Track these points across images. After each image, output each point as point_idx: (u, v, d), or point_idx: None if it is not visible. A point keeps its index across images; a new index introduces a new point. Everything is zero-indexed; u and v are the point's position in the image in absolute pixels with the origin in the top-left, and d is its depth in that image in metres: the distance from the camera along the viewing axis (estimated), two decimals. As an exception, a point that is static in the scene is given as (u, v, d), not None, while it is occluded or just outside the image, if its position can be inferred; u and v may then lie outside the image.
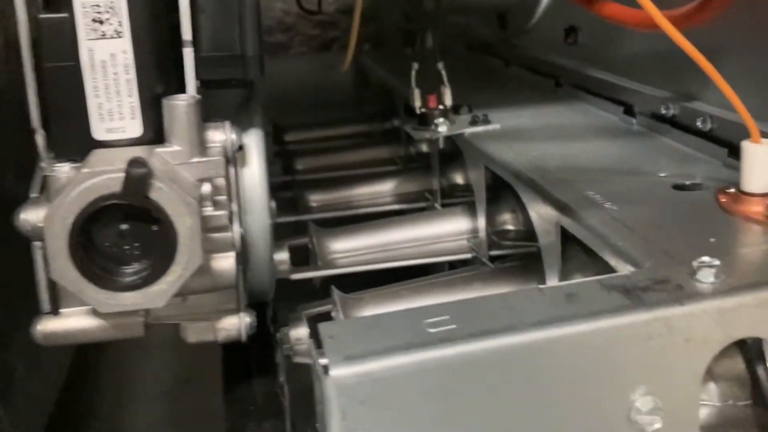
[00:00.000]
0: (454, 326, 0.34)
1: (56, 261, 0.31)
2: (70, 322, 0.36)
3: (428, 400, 0.33)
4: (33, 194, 0.33)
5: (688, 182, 0.51)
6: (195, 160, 0.33)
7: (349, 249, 0.68)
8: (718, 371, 0.44)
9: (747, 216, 0.44)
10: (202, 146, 0.34)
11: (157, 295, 0.32)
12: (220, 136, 0.35)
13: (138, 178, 0.30)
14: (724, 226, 0.44)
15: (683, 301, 0.35)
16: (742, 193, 0.45)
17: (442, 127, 0.67)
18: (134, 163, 0.30)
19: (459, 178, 0.79)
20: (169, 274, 0.32)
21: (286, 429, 0.42)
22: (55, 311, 0.36)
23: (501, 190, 0.64)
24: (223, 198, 0.35)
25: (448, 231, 0.70)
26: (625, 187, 0.51)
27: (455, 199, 0.76)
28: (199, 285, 0.36)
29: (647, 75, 0.64)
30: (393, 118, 0.95)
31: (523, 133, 0.65)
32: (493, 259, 0.64)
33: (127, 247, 0.32)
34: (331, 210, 0.80)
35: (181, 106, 0.32)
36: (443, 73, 0.69)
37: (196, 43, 0.33)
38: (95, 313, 0.36)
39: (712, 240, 0.42)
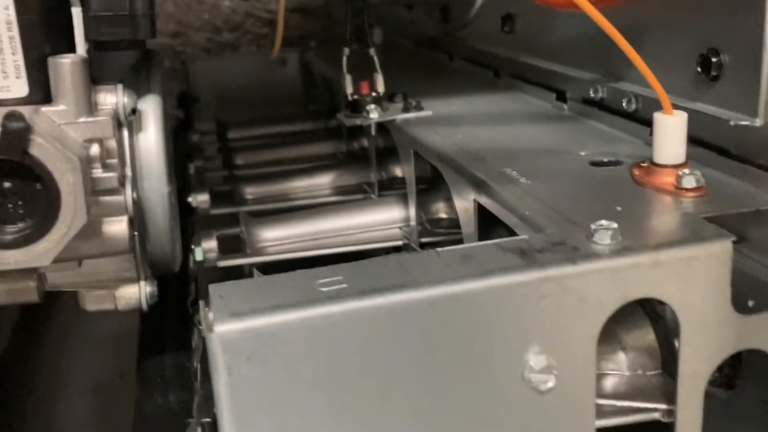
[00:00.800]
0: (345, 285, 0.34)
1: (-69, 217, 0.30)
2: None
3: (316, 357, 0.32)
4: None
5: (606, 159, 0.51)
6: (82, 120, 0.33)
7: (279, 237, 0.67)
8: (628, 341, 0.45)
9: (657, 187, 0.45)
10: (89, 106, 0.33)
11: (42, 253, 0.31)
12: (111, 98, 0.35)
13: (15, 133, 0.29)
14: (633, 196, 0.44)
15: (576, 261, 0.35)
16: (654, 165, 0.45)
17: (374, 114, 0.67)
18: (11, 117, 0.30)
19: (398, 171, 0.79)
20: (53, 233, 0.31)
21: (194, 407, 0.41)
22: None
23: (435, 179, 0.64)
24: (113, 161, 0.35)
25: (381, 220, 0.70)
26: (543, 165, 0.51)
27: (393, 191, 0.76)
28: (92, 249, 0.35)
29: (577, 59, 0.65)
30: (336, 115, 0.95)
31: (453, 120, 0.65)
32: (423, 246, 0.64)
33: (9, 205, 0.32)
34: (267, 202, 0.79)
35: (66, 64, 0.32)
36: (375, 59, 0.70)
37: (84, 2, 0.32)
38: (-18, 277, 0.35)
39: (618, 209, 0.42)
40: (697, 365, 0.38)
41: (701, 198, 0.43)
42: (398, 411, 0.34)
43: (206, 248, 0.66)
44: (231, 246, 0.67)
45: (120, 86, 0.35)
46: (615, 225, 0.37)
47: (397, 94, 0.71)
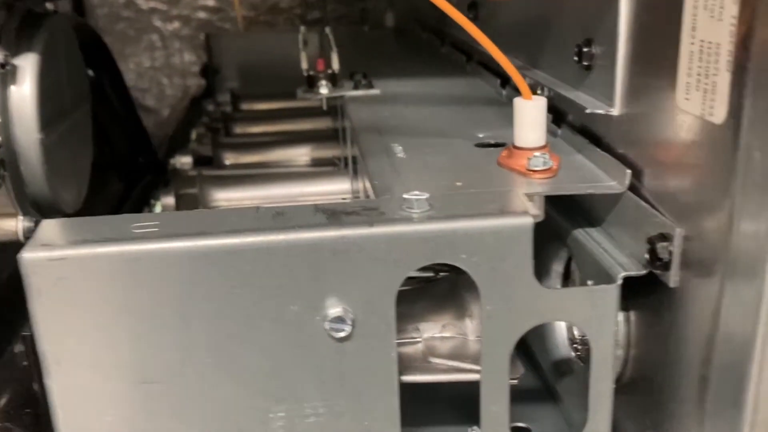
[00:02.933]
0: (156, 229, 0.38)
1: None
2: None
3: (118, 288, 0.37)
4: None
5: (493, 141, 0.53)
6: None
7: (230, 198, 0.72)
8: (474, 310, 0.47)
9: (512, 168, 0.47)
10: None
11: None
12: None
13: None
14: (484, 175, 0.47)
15: (373, 224, 0.38)
16: (515, 148, 0.48)
17: (324, 89, 0.71)
18: None
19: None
20: None
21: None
22: None
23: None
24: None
25: (331, 189, 0.74)
26: (432, 143, 0.54)
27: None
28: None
29: (511, 47, 0.67)
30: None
31: (395, 98, 0.68)
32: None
33: None
34: (244, 168, 0.84)
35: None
36: (330, 38, 0.73)
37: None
38: None
39: (458, 184, 0.45)
40: (498, 334, 0.40)
41: (547, 179, 0.45)
42: (196, 345, 0.38)
43: (164, 203, 0.72)
44: (188, 203, 0.73)
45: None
46: (425, 196, 0.40)
47: (357, 73, 0.75)
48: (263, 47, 1.24)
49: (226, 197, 0.72)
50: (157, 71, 1.38)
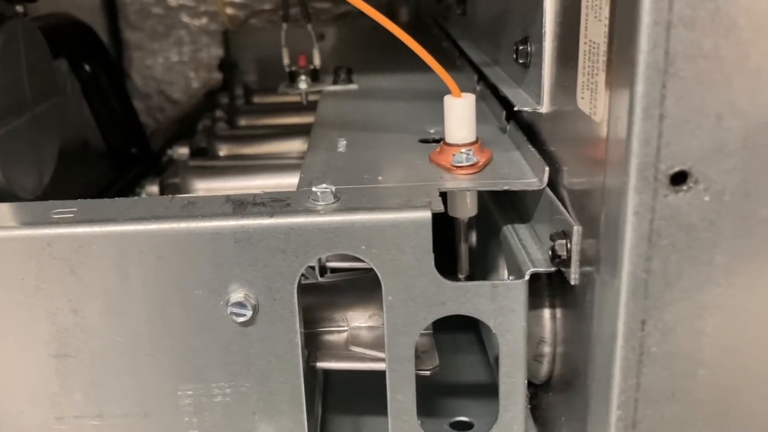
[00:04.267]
0: (71, 215, 0.40)
1: None
2: None
3: (32, 268, 0.39)
4: None
5: (438, 137, 0.54)
6: None
7: (209, 188, 0.74)
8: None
9: (440, 164, 0.47)
10: None
11: None
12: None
13: None
14: (412, 170, 0.47)
15: (274, 215, 0.40)
16: (445, 144, 0.48)
17: (302, 84, 0.73)
18: None
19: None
20: None
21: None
22: None
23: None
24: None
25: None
26: (378, 138, 0.54)
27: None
28: None
29: (484, 43, 0.67)
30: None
31: (370, 93, 0.70)
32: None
33: None
34: (236, 160, 0.87)
35: None
36: (312, 34, 0.75)
37: None
38: None
39: (380, 178, 0.46)
40: (400, 324, 0.41)
41: (470, 175, 0.46)
42: (109, 324, 0.40)
43: (149, 192, 0.75)
44: (172, 193, 0.75)
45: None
46: (331, 189, 0.41)
47: (341, 68, 0.76)
48: (279, 42, 1.27)
49: (205, 187, 0.74)
50: (185, 65, 1.42)
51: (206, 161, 0.82)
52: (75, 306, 0.40)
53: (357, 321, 0.48)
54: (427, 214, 0.40)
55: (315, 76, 0.74)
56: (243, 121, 1.01)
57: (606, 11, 0.33)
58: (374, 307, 0.48)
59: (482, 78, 0.68)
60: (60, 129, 0.56)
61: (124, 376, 0.41)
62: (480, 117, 0.58)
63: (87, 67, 0.75)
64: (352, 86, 0.72)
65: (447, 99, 0.48)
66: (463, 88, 0.48)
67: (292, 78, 0.74)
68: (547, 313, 0.46)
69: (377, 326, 0.48)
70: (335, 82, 0.72)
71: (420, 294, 0.41)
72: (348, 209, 0.40)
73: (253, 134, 0.93)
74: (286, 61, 0.73)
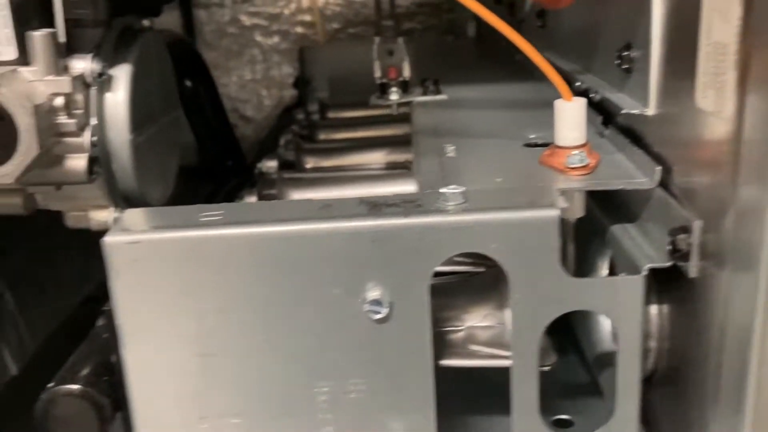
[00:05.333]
0: (220, 217, 0.43)
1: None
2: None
3: (183, 269, 0.42)
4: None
5: (542, 142, 0.56)
6: (48, 78, 0.45)
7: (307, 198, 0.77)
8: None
9: (551, 166, 0.49)
10: (57, 68, 0.46)
11: (6, 173, 0.44)
12: (81, 63, 0.47)
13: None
14: (526, 172, 0.50)
15: (410, 215, 0.42)
16: (556, 147, 0.50)
17: (394, 96, 0.75)
18: (-23, 70, 0.43)
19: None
20: (14, 160, 0.44)
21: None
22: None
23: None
24: (78, 111, 0.47)
25: (401, 190, 0.78)
26: (484, 143, 0.57)
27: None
28: (58, 177, 0.48)
29: (572, 52, 0.69)
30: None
31: (459, 103, 0.72)
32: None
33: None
34: (322, 171, 0.90)
35: (37, 36, 0.44)
36: (403, 48, 0.78)
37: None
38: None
39: (498, 180, 0.48)
40: (526, 320, 0.43)
41: (584, 176, 0.48)
42: (249, 323, 0.43)
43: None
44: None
45: (90, 56, 0.47)
46: (461, 189, 0.43)
47: (428, 79, 0.79)
48: (351, 59, 1.30)
49: (301, 198, 0.77)
50: (257, 83, 1.47)
51: (297, 173, 0.85)
52: (220, 306, 0.43)
53: (472, 321, 0.50)
54: (554, 213, 0.42)
55: (404, 87, 0.76)
56: (322, 135, 1.05)
57: (737, 12, 0.35)
58: (488, 307, 0.50)
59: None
60: (179, 142, 0.59)
61: (264, 375, 0.44)
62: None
63: (188, 83, 0.79)
64: (441, 96, 0.74)
65: (558, 103, 0.50)
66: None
67: (383, 90, 0.77)
68: (653, 309, 0.48)
69: (492, 325, 0.50)
70: (425, 93, 0.75)
71: (546, 291, 0.43)
72: (479, 209, 0.42)
73: (337, 147, 0.96)
74: (377, 74, 0.76)
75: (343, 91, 1.27)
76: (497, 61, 1.00)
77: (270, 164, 0.91)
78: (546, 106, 0.69)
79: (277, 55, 1.48)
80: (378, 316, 0.43)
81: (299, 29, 1.48)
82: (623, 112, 0.49)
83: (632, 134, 0.52)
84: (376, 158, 0.92)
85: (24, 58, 0.45)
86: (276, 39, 1.46)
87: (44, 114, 0.44)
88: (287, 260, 0.42)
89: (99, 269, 0.86)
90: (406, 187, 0.78)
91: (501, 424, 0.48)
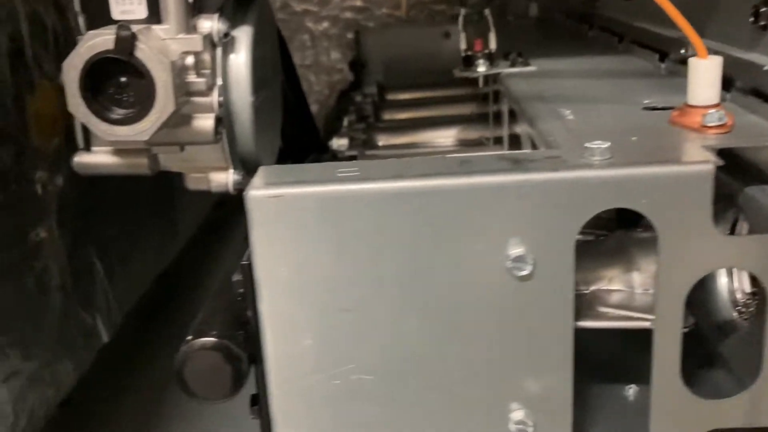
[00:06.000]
0: (357, 173, 0.42)
1: (72, 98, 0.43)
2: (97, 157, 0.48)
3: (323, 224, 0.41)
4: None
5: (660, 105, 0.54)
6: (180, 36, 0.44)
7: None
8: (641, 263, 0.49)
9: (685, 125, 0.48)
10: (187, 27, 0.45)
11: (142, 130, 0.43)
12: (208, 24, 0.46)
13: (124, 39, 0.41)
14: (656, 132, 0.48)
15: (558, 169, 0.41)
16: (687, 106, 0.49)
17: (482, 68, 0.74)
18: (122, 27, 0.41)
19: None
20: (150, 116, 0.43)
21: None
22: (87, 148, 0.48)
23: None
24: (206, 71, 0.46)
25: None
26: (598, 108, 0.55)
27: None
28: (185, 137, 0.47)
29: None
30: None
31: (551, 74, 0.70)
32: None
33: (123, 95, 0.44)
34: (394, 149, 0.89)
35: (171, -4, 0.43)
36: (489, 19, 0.76)
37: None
38: (115, 152, 0.48)
39: (633, 139, 0.46)
40: (674, 278, 0.42)
41: (722, 135, 0.46)
42: (387, 278, 0.42)
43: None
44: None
45: (216, 15, 0.46)
46: (606, 144, 0.42)
47: (512, 52, 0.77)
48: (406, 42, 1.29)
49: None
50: (307, 69, 1.46)
51: (378, 151, 0.84)
52: (359, 261, 0.41)
53: (597, 284, 0.49)
54: (709, 167, 0.40)
55: (490, 60, 0.75)
56: (387, 115, 1.04)
57: None
58: (615, 270, 0.49)
59: (664, 57, 0.69)
60: (281, 108, 0.58)
61: (400, 332, 0.42)
62: (676, 89, 0.59)
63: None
64: (531, 68, 0.73)
65: (692, 61, 0.48)
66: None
67: (467, 62, 0.75)
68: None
69: (619, 289, 0.49)
70: (512, 65, 0.74)
71: (696, 248, 0.41)
72: (629, 163, 0.41)
73: (407, 125, 0.95)
74: (463, 46, 0.75)
75: (398, 74, 1.26)
76: (566, 39, 0.98)
77: (341, 142, 0.91)
78: (644, 75, 0.68)
79: (326, 40, 1.47)
80: (522, 273, 0.41)
81: (348, 14, 1.47)
82: (766, 68, 0.47)
83: (762, 96, 0.50)
84: (447, 135, 0.91)
85: (154, 16, 0.44)
86: (326, 24, 1.45)
87: (177, 72, 0.43)
88: (429, 216, 0.41)
89: (173, 246, 0.85)
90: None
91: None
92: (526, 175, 0.41)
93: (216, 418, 0.60)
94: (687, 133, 0.47)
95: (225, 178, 0.49)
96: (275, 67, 0.57)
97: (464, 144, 0.88)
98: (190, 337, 0.41)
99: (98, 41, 0.42)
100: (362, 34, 1.27)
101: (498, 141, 0.83)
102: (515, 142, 0.83)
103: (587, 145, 0.42)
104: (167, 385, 0.67)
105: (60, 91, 0.53)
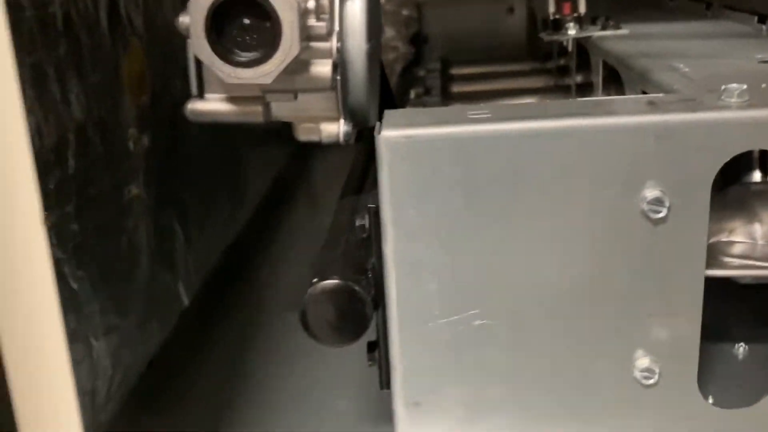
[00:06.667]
0: (489, 115, 0.41)
1: (196, 39, 0.43)
2: (211, 104, 0.48)
3: (455, 163, 0.40)
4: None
5: (776, 60, 0.53)
6: (303, -22, 0.44)
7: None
8: (764, 216, 0.48)
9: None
10: (311, -31, 0.45)
11: (266, 72, 0.43)
12: (329, -33, 0.46)
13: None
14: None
15: (696, 110, 0.40)
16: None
17: (572, 31, 0.73)
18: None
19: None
20: (275, 58, 0.43)
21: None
22: (200, 95, 0.48)
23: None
24: (325, 15, 0.45)
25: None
26: (712, 62, 0.54)
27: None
28: (303, 84, 0.46)
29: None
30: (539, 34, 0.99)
31: (645, 36, 0.69)
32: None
33: (247, 37, 0.44)
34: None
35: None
36: (575, -20, 0.75)
37: None
38: (228, 99, 0.48)
39: (764, 86, 0.45)
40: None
41: None
42: (519, 222, 0.41)
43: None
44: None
45: (336, -41, 0.46)
46: (744, 86, 0.41)
47: (599, 17, 0.76)
48: (468, 16, 1.28)
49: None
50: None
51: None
52: (491, 205, 0.41)
53: (718, 236, 0.48)
54: None
55: (579, 23, 0.74)
56: (455, 89, 1.03)
57: None
58: (737, 222, 0.48)
59: (764, 18, 0.67)
60: (379, 66, 0.58)
61: (531, 275, 0.42)
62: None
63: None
64: (623, 31, 0.71)
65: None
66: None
67: (556, 26, 0.74)
68: None
69: (741, 241, 0.48)
70: (603, 29, 0.72)
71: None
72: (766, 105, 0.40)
73: (481, 97, 0.94)
74: (551, 9, 0.74)
75: (461, 49, 1.25)
76: (644, 9, 0.96)
77: (416, 111, 0.90)
78: (745, 36, 0.66)
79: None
80: (658, 215, 0.40)
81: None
82: None
83: None
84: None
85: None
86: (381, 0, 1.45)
87: (300, 14, 0.43)
88: (563, 157, 0.40)
89: (241, 216, 0.85)
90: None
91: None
92: (665, 116, 0.40)
93: (294, 379, 0.60)
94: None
95: (336, 129, 0.49)
96: (379, 17, 0.57)
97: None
98: (315, 279, 0.41)
99: (227, -19, 0.42)
100: (424, 8, 1.26)
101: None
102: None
103: (723, 86, 0.41)
104: (243, 350, 0.67)
105: (147, 47, 0.54)
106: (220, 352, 0.69)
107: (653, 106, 0.41)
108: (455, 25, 1.26)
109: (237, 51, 0.43)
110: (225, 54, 0.43)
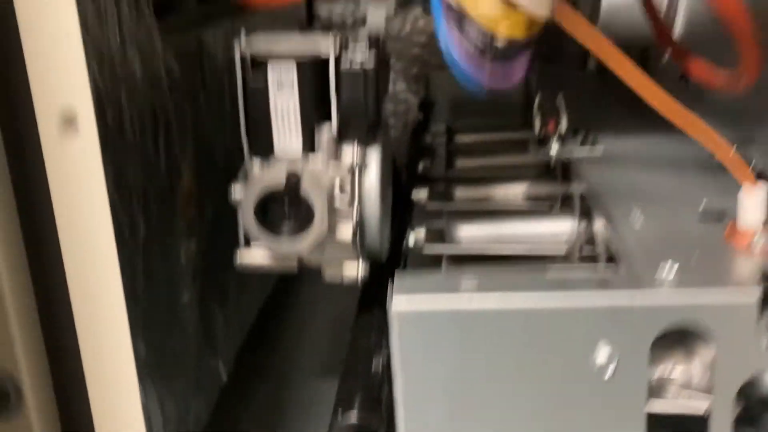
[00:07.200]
0: (477, 283, 0.53)
1: (246, 216, 0.55)
2: (255, 254, 0.60)
3: (456, 339, 0.52)
4: (240, 178, 0.57)
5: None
6: (331, 164, 0.56)
7: (470, 235, 0.87)
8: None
9: (737, 245, 0.58)
10: (336, 156, 0.57)
11: (302, 249, 0.55)
12: (350, 150, 0.58)
13: (293, 184, 0.53)
14: (713, 249, 0.58)
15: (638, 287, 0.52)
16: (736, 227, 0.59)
17: (553, 151, 0.84)
18: (291, 175, 0.54)
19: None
20: (309, 235, 0.55)
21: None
22: (247, 245, 0.60)
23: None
24: (348, 188, 0.58)
25: (551, 231, 0.87)
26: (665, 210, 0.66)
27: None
28: (329, 248, 0.59)
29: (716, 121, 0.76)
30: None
31: (617, 159, 0.80)
32: (582, 259, 0.80)
33: (289, 218, 0.56)
34: (470, 202, 0.99)
35: (324, 132, 0.55)
36: (562, 102, 0.86)
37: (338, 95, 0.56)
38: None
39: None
40: (727, 386, 0.52)
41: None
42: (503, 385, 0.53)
43: (417, 237, 0.88)
44: (435, 237, 0.88)
45: (356, 143, 0.58)
46: (676, 265, 0.52)
47: (580, 130, 0.87)
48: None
49: (466, 234, 0.87)
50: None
51: (459, 206, 0.94)
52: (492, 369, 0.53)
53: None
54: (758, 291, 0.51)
55: (561, 140, 0.85)
56: (459, 163, 1.14)
57: None
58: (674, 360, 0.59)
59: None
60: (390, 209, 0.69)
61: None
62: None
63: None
64: (598, 152, 0.83)
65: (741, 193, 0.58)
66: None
67: (542, 142, 0.86)
68: None
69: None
70: (583, 143, 0.84)
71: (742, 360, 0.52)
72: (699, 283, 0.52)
73: (479, 177, 1.05)
74: (537, 128, 0.85)
75: (464, 113, 1.36)
76: (628, 101, 1.07)
77: (421, 194, 1.01)
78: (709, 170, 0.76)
79: (392, 71, 1.57)
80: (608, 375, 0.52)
81: (415, 50, 1.57)
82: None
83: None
84: (517, 191, 1.01)
85: (309, 148, 0.56)
86: (392, 59, 1.55)
87: (329, 197, 0.55)
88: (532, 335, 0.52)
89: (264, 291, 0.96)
90: (560, 228, 0.87)
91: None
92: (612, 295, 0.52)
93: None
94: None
95: (355, 269, 0.61)
96: (389, 179, 0.69)
97: (533, 199, 0.98)
98: (338, 419, 0.53)
99: (270, 182, 0.54)
100: (431, 74, 1.37)
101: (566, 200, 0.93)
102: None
103: (662, 263, 0.53)
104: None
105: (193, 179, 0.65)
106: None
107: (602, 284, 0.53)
108: (458, 90, 1.36)
109: (279, 227, 0.56)
110: (269, 230, 0.55)
